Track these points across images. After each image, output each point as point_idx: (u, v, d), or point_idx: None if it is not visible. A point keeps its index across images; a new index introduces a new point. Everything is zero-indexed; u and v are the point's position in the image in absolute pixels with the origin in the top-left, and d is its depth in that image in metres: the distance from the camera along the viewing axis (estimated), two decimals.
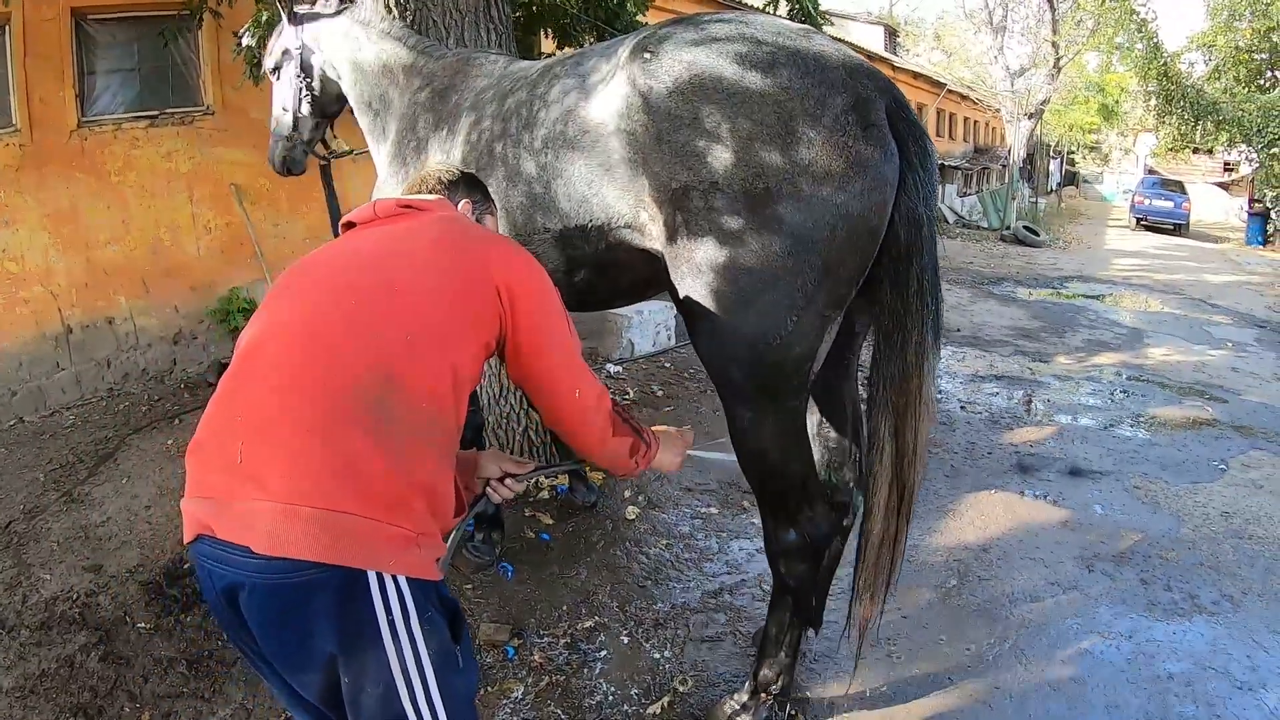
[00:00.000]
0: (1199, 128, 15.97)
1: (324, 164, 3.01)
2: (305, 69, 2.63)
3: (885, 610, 1.75)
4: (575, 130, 1.68)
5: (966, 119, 22.85)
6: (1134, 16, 14.82)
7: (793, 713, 1.99)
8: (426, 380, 1.15)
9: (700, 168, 1.48)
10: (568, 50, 4.20)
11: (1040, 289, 8.89)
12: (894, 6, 25.75)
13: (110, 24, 4.47)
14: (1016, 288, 8.87)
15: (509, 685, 2.11)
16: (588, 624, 2.38)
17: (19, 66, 4.03)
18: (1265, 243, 16.40)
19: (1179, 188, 20.09)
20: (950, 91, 19.58)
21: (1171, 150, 19.90)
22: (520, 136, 1.80)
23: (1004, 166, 19.47)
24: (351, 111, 2.60)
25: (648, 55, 1.55)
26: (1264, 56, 16.58)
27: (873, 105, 1.46)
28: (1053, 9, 15.83)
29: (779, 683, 1.91)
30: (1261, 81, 16.70)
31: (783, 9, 4.59)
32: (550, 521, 2.97)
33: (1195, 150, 19.98)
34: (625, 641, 2.31)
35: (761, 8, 5.63)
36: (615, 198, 1.65)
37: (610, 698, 2.09)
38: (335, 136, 3.02)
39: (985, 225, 16.65)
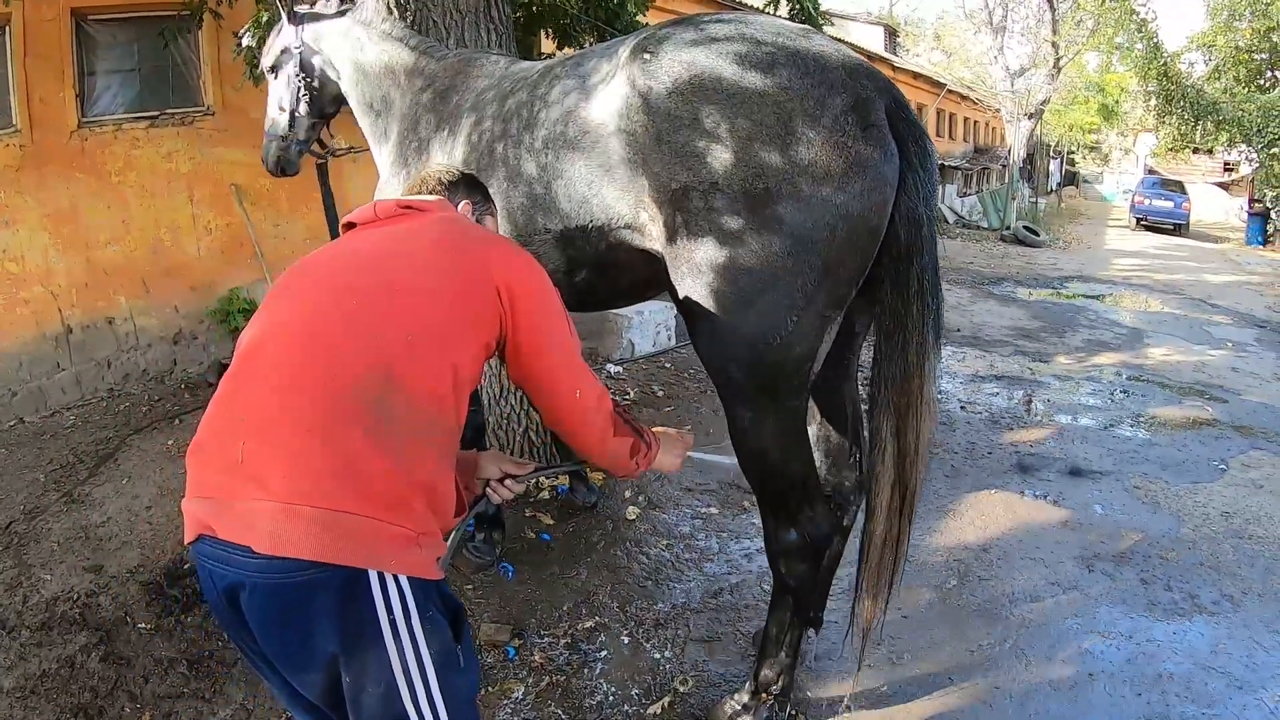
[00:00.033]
0: (1199, 128, 15.97)
1: (321, 163, 2.99)
2: (305, 68, 2.62)
3: (886, 610, 1.75)
4: (575, 131, 1.68)
5: (966, 119, 22.85)
6: (1134, 16, 14.83)
7: (793, 713, 2.00)
8: (427, 380, 1.16)
9: (700, 168, 1.48)
10: (568, 51, 4.21)
11: (1040, 289, 8.89)
12: (894, 6, 25.81)
13: (110, 24, 4.47)
14: (1016, 288, 8.87)
15: (509, 685, 2.12)
16: (588, 624, 2.38)
17: (19, 67, 4.04)
18: (1265, 243, 16.40)
19: (1179, 188, 20.09)
20: (950, 92, 19.58)
21: (1171, 150, 19.90)
22: (521, 137, 1.81)
23: (1004, 166, 19.47)
24: (349, 112, 2.60)
25: (647, 56, 1.55)
26: (1264, 56, 16.58)
27: (872, 105, 1.46)
28: (1053, 9, 15.83)
29: (780, 683, 1.91)
30: (1261, 81, 16.69)
31: (783, 9, 4.60)
32: (551, 522, 2.97)
33: (1195, 150, 19.98)
34: (626, 642, 2.31)
35: (762, 8, 5.63)
36: (615, 198, 1.65)
37: (611, 698, 2.09)
38: (333, 136, 3.02)
39: (985, 225, 16.65)
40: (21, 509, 3.07)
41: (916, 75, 18.35)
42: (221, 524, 1.06)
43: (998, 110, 18.33)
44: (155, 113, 4.64)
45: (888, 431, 1.62)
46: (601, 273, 1.82)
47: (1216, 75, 16.77)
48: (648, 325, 5.07)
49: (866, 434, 1.74)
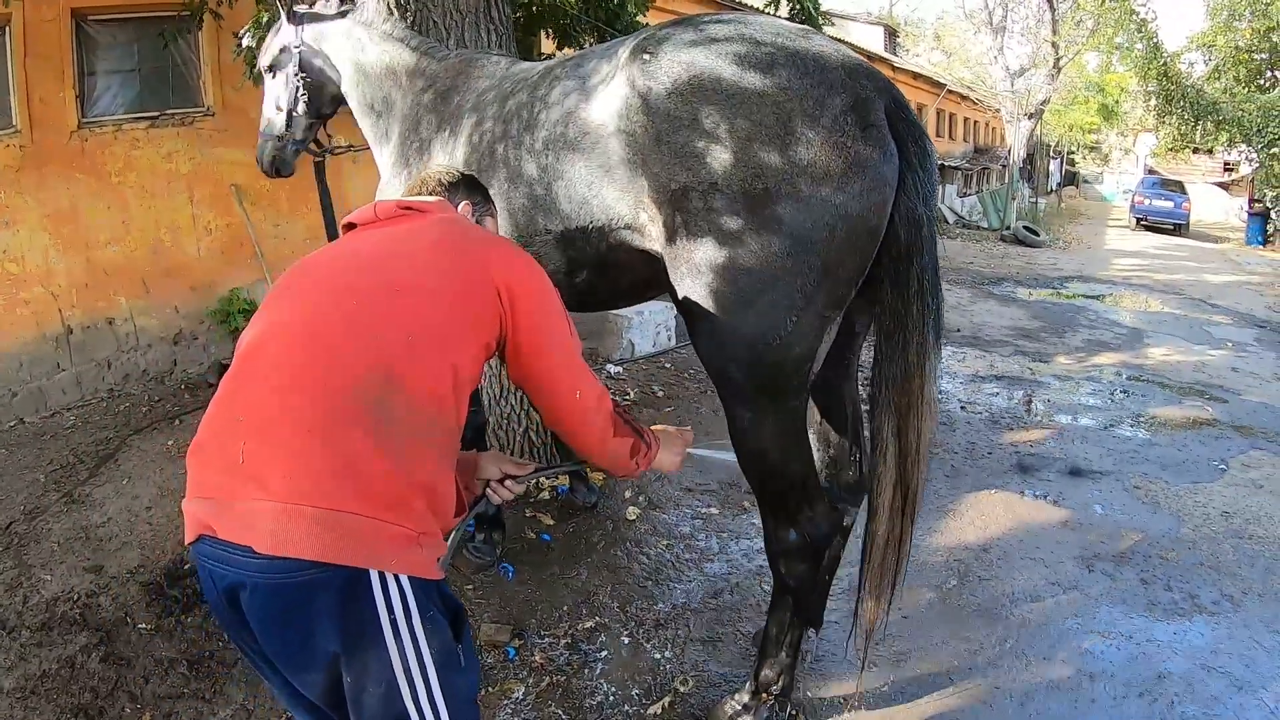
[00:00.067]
0: (1199, 128, 15.97)
1: (319, 161, 2.98)
2: (305, 68, 2.61)
3: (889, 611, 1.75)
4: (575, 132, 1.68)
5: (966, 119, 22.84)
6: (1134, 16, 14.83)
7: (793, 713, 2.00)
8: (427, 381, 1.16)
9: (699, 168, 1.48)
10: (568, 51, 4.21)
11: (1040, 289, 8.89)
12: (894, 7, 25.81)
13: (110, 25, 4.47)
14: (1016, 288, 8.87)
15: (510, 686, 2.12)
16: (588, 624, 2.38)
17: (19, 67, 4.04)
18: (1265, 243, 16.40)
19: (1179, 188, 20.09)
20: (950, 92, 19.58)
21: (1171, 150, 19.90)
22: (521, 138, 1.81)
23: (1004, 167, 19.47)
24: (348, 112, 2.60)
25: (647, 56, 1.55)
26: (1264, 56, 16.57)
27: (872, 105, 1.46)
28: (1053, 9, 15.83)
29: (780, 683, 1.91)
30: (1261, 81, 16.69)
31: (784, 9, 4.60)
32: (551, 522, 2.97)
33: (1195, 150, 19.98)
34: (626, 642, 2.31)
35: (762, 8, 5.63)
36: (615, 199, 1.65)
37: (611, 698, 2.09)
38: (331, 136, 3.01)
39: (985, 225, 16.65)
40: (22, 509, 3.07)
41: (916, 75, 18.35)
42: (222, 524, 1.06)
43: (998, 110, 18.33)
44: (155, 113, 4.64)
45: (889, 432, 1.62)
46: (602, 273, 1.82)
47: (1216, 75, 16.77)
48: (648, 325, 5.07)
49: (867, 434, 1.74)
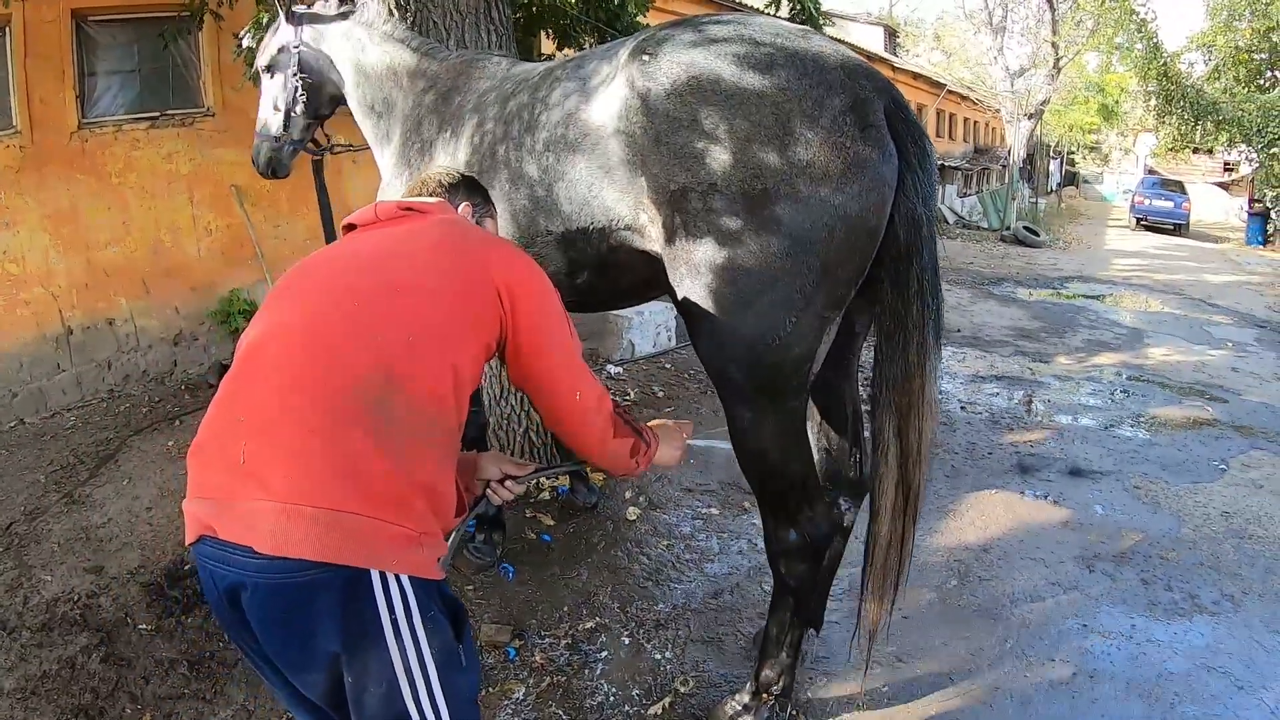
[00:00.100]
0: (1199, 128, 15.96)
1: (317, 160, 2.97)
2: (304, 68, 2.60)
3: (891, 611, 1.74)
4: (576, 133, 1.68)
5: (966, 119, 22.84)
6: (1134, 16, 14.82)
7: (794, 713, 2.00)
8: (427, 381, 1.16)
9: (698, 169, 1.48)
10: (569, 52, 4.21)
11: (1040, 289, 8.88)
12: (894, 7, 25.81)
13: (111, 25, 4.47)
14: (1016, 288, 8.87)
15: (510, 686, 2.12)
16: (589, 625, 2.38)
17: (19, 67, 4.04)
18: (1265, 243, 16.40)
19: (1179, 188, 20.09)
20: (950, 92, 19.58)
21: (1171, 150, 19.88)
22: (522, 139, 1.81)
23: (1004, 167, 19.46)
24: (348, 112, 2.59)
25: (646, 57, 1.55)
26: (1264, 56, 16.56)
27: (871, 106, 1.46)
28: (1053, 9, 15.83)
29: (780, 683, 1.91)
30: (1261, 81, 16.68)
31: (784, 10, 4.60)
32: (551, 522, 2.97)
33: (1195, 150, 19.97)
34: (626, 642, 2.31)
35: (762, 9, 5.63)
36: (615, 200, 1.65)
37: (611, 698, 2.09)
38: (329, 136, 3.00)
39: (985, 226, 16.65)
40: (22, 510, 3.07)
41: (916, 75, 18.35)
42: (223, 524, 1.06)
43: (998, 110, 18.32)
44: (155, 114, 4.64)
45: (890, 432, 1.62)
46: (602, 274, 1.82)
47: (1216, 75, 16.76)
48: (648, 326, 5.07)
49: (868, 435, 1.74)
